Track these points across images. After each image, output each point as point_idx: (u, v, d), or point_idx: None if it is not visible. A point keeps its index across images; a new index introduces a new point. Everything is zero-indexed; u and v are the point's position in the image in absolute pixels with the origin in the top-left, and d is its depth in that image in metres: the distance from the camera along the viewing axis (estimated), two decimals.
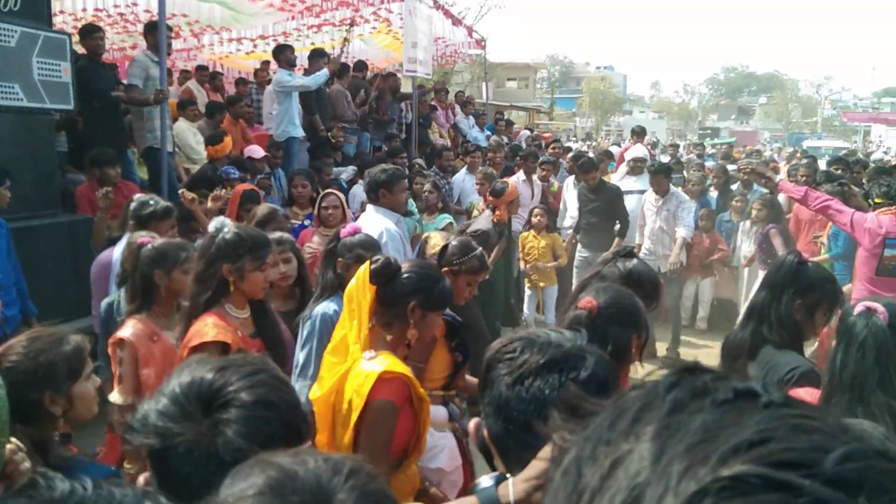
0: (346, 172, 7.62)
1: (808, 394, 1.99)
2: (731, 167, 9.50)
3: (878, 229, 4.23)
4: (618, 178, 8.33)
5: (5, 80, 4.48)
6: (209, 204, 4.21)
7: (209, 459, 1.00)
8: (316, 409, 2.15)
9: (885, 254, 4.20)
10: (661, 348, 6.51)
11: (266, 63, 9.95)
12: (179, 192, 3.65)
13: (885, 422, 1.71)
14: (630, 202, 6.83)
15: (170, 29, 6.70)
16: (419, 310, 2.12)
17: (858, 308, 1.89)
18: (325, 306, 2.85)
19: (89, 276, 3.81)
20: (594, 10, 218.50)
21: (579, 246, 6.82)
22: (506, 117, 14.23)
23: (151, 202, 3.57)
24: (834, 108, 65.38)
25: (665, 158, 11.96)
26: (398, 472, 2.12)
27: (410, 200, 5.68)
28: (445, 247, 3.07)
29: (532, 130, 16.00)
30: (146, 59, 6.13)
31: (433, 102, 11.41)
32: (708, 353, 6.28)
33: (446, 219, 5.83)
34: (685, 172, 9.27)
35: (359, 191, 6.78)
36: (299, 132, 7.67)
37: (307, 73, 8.15)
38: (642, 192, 6.96)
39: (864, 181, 7.32)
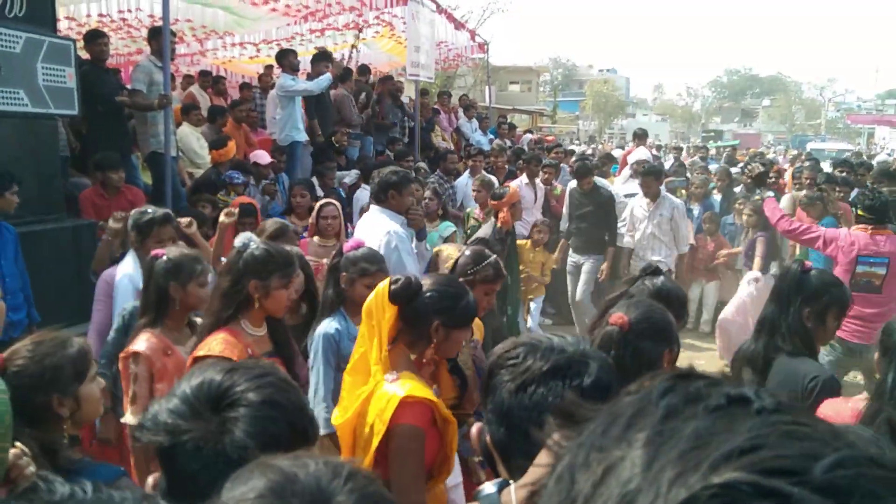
0: (349, 176, 7.64)
1: (849, 402, 2.02)
2: (734, 170, 9.50)
3: (850, 246, 4.25)
4: (621, 181, 8.34)
5: (10, 86, 4.50)
6: (222, 217, 4.10)
7: (217, 457, 1.02)
8: (339, 433, 2.12)
9: (857, 270, 4.21)
10: None
11: (269, 67, 9.98)
12: (177, 221, 3.61)
13: None
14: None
15: (174, 34, 6.71)
16: (443, 329, 2.03)
17: None
18: (327, 325, 2.84)
19: (92, 280, 3.81)
20: (597, 13, 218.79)
21: (570, 251, 6.79)
22: (509, 121, 14.25)
23: (149, 210, 3.55)
24: (838, 111, 65.21)
25: (669, 161, 11.96)
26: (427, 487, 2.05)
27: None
28: (460, 258, 2.97)
29: (533, 133, 16.01)
30: (150, 64, 6.16)
31: (436, 106, 11.43)
32: (712, 355, 6.27)
33: (450, 227, 5.69)
34: (688, 175, 9.26)
35: (362, 195, 6.79)
36: (303, 136, 7.69)
37: (310, 76, 8.17)
38: None
39: (868, 183, 7.30)
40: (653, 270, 2.50)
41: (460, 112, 11.95)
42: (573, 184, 7.08)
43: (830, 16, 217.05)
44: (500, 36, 56.43)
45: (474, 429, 1.36)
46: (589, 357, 1.25)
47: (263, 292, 2.42)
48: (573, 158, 8.59)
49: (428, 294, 2.04)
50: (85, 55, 6.18)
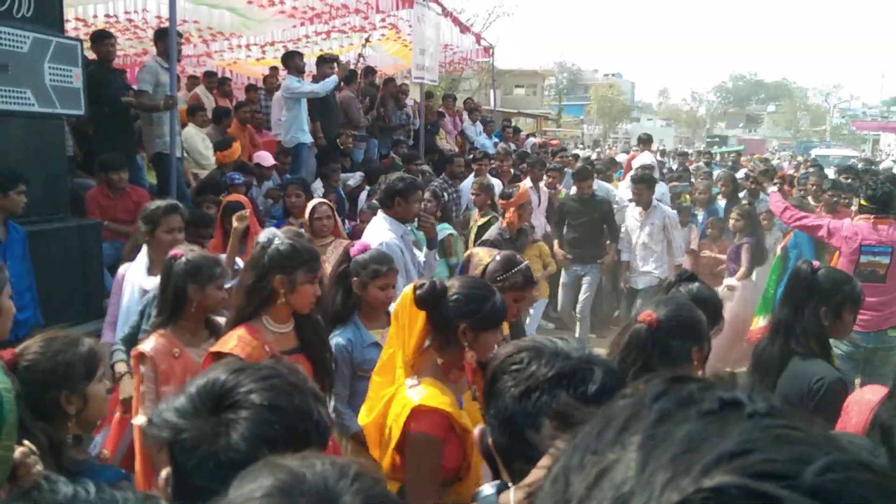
0: (354, 179, 7.66)
1: (874, 392, 2.05)
2: (738, 175, 9.48)
3: (853, 236, 4.31)
4: (625, 185, 8.33)
5: (18, 86, 4.53)
6: (234, 223, 4.05)
7: (209, 458, 1.02)
8: (365, 431, 2.15)
9: (861, 260, 4.27)
10: None
11: (275, 69, 10.01)
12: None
13: None
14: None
15: (180, 35, 6.75)
16: (471, 331, 2.00)
17: None
18: (338, 336, 2.84)
19: (97, 280, 3.84)
20: (602, 17, 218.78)
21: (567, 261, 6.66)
22: (513, 124, 14.27)
23: (155, 203, 3.62)
24: (843, 117, 65.06)
25: (674, 166, 11.95)
26: (450, 489, 2.04)
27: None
28: (489, 264, 2.95)
29: (536, 136, 16.01)
30: (156, 65, 6.18)
31: (441, 109, 11.44)
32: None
33: (446, 229, 5.67)
34: (693, 180, 9.26)
35: (365, 197, 6.81)
36: (308, 138, 7.71)
37: (315, 78, 8.19)
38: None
39: None
40: (688, 277, 2.54)
41: (465, 115, 11.96)
42: (572, 190, 6.95)
43: (836, 22, 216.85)
44: (505, 40, 56.60)
45: (476, 431, 1.35)
46: (594, 363, 1.23)
47: (289, 287, 2.38)
48: (578, 163, 8.59)
49: (454, 297, 2.02)
50: (91, 56, 6.22)
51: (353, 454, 2.81)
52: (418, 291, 2.01)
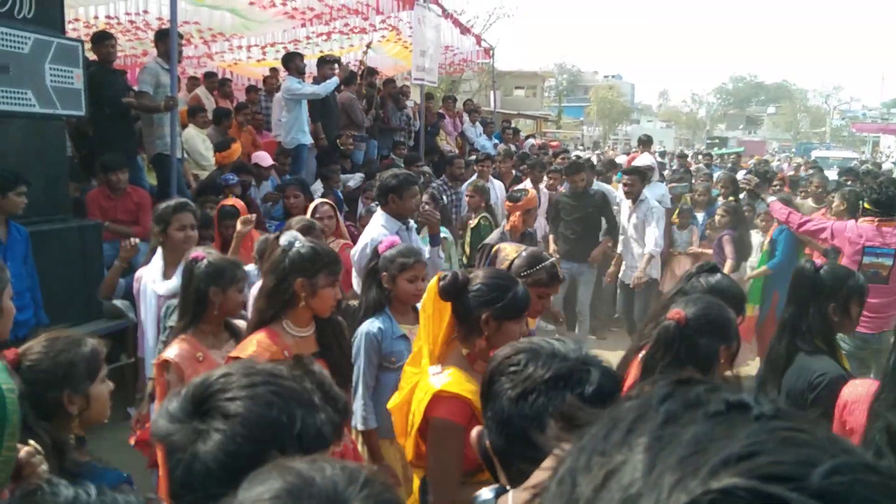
0: (354, 180, 7.65)
1: (865, 386, 2.09)
2: (738, 176, 9.48)
3: (857, 238, 4.34)
4: None
5: (18, 87, 4.53)
6: (238, 226, 4.04)
7: (178, 463, 0.99)
8: (392, 415, 2.21)
9: (864, 261, 4.29)
10: None
11: (275, 70, 10.01)
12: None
13: None
14: None
15: (181, 36, 6.75)
16: (493, 321, 2.02)
17: None
18: (369, 324, 2.88)
19: (98, 281, 3.83)
20: (602, 19, 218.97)
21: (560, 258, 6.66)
22: (513, 125, 14.28)
23: (164, 203, 3.63)
24: (843, 119, 65.18)
25: (674, 167, 11.95)
26: (473, 479, 2.02)
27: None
28: (515, 259, 2.94)
29: (535, 138, 16.02)
30: (157, 66, 6.19)
31: (441, 110, 11.45)
32: None
33: (441, 232, 5.71)
34: (693, 181, 9.25)
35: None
36: (308, 139, 7.72)
37: (315, 80, 8.20)
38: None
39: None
40: (709, 268, 2.55)
41: (465, 116, 11.97)
42: (564, 186, 6.86)
43: (836, 24, 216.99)
44: (505, 41, 56.52)
45: (474, 433, 1.34)
46: (591, 364, 1.23)
47: (310, 291, 2.38)
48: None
49: (476, 287, 2.07)
50: (92, 56, 6.22)
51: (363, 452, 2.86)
52: (441, 282, 2.06)
